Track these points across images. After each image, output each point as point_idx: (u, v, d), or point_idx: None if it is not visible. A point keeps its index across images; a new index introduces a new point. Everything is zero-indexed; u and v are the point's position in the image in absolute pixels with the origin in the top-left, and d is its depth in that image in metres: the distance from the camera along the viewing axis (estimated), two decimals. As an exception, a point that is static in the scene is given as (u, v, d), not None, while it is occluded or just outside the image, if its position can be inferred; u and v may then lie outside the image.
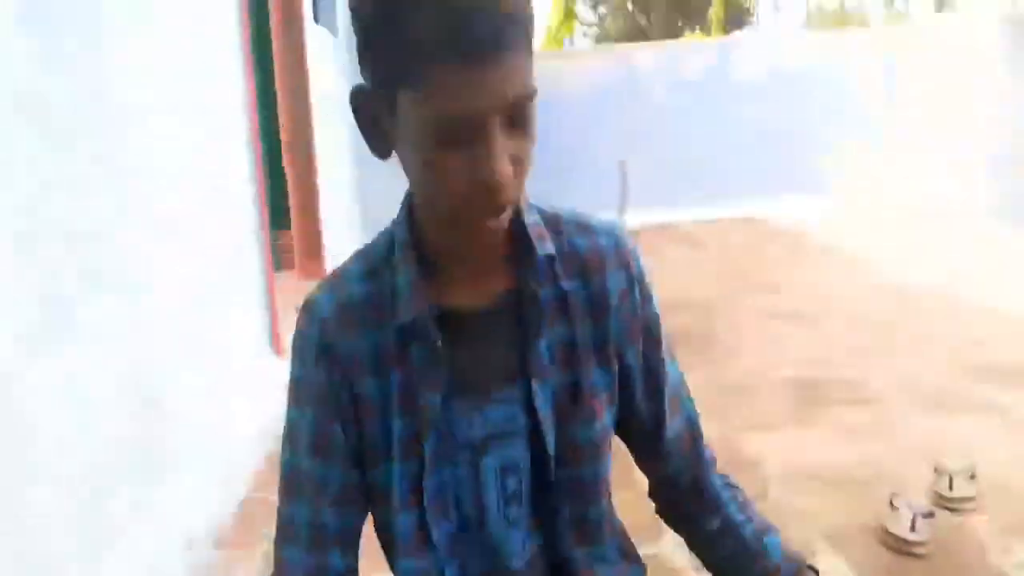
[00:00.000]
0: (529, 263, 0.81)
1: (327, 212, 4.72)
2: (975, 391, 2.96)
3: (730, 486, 0.96)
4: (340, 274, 0.84)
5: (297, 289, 4.24)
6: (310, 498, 0.82)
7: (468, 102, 0.65)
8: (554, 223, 0.85)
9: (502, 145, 0.68)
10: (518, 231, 0.81)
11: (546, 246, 0.82)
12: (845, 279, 4.75)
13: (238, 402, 2.67)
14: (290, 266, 4.61)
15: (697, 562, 0.97)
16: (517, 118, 0.69)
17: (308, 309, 0.82)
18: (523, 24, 0.67)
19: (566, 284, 0.83)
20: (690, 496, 0.95)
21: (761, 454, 2.57)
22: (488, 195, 0.69)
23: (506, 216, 0.73)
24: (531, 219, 0.82)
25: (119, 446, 1.78)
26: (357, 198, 6.03)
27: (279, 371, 3.14)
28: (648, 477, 0.97)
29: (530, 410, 0.82)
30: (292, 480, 0.83)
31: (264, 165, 3.24)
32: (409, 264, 0.80)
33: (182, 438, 2.17)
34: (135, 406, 1.89)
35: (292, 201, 4.58)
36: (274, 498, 0.87)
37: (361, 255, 0.84)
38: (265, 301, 3.19)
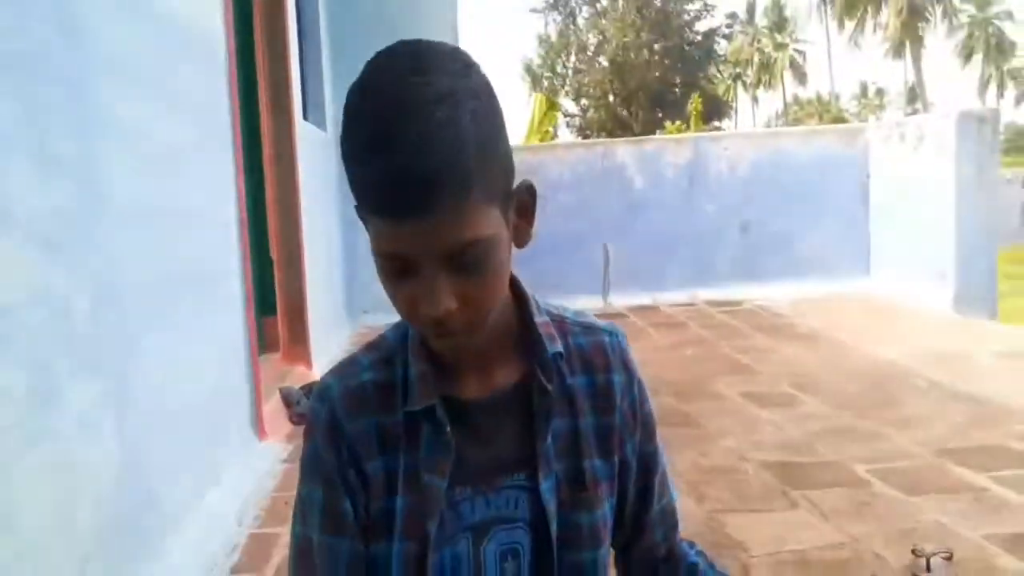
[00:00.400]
0: (539, 360, 0.86)
1: (313, 299, 4.78)
2: (953, 473, 2.99)
3: (700, 552, 1.01)
4: (352, 361, 0.89)
5: (281, 374, 4.26)
6: (319, 570, 0.85)
7: (400, 249, 0.71)
8: (560, 323, 0.91)
9: (442, 283, 0.72)
10: (527, 330, 0.88)
11: (555, 345, 0.87)
12: (822, 362, 4.81)
13: (220, 484, 2.66)
14: (275, 349, 4.64)
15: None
16: (462, 262, 0.72)
17: (320, 393, 0.87)
18: (465, 177, 0.69)
19: (572, 379, 0.89)
20: (666, 564, 0.99)
21: (745, 535, 2.57)
22: (432, 325, 0.75)
23: (474, 334, 0.78)
24: (540, 319, 0.88)
25: (99, 526, 1.78)
26: (343, 286, 6.12)
27: (261, 453, 3.13)
28: (619, 549, 1.00)
29: (534, 498, 0.86)
30: (303, 552, 0.87)
31: (253, 254, 3.32)
32: (420, 355, 0.85)
33: (163, 519, 2.16)
34: (116, 485, 1.89)
35: (279, 289, 4.65)
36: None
37: (373, 345, 0.90)
38: (249, 384, 3.21)
